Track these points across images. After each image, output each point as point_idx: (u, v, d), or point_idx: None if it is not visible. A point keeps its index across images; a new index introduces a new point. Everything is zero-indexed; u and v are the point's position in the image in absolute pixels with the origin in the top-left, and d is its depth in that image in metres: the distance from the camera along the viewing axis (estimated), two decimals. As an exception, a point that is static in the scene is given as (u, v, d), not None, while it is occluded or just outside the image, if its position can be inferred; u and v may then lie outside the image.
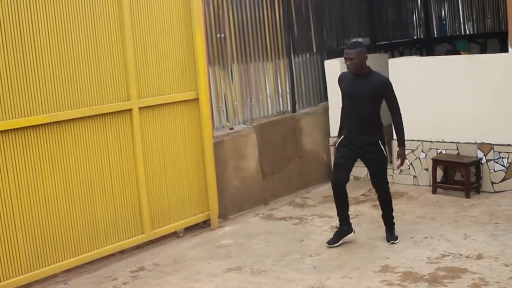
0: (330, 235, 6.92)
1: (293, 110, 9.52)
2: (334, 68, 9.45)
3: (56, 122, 6.30)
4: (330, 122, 9.61)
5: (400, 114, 6.58)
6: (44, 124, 6.20)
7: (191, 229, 7.65)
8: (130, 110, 6.88)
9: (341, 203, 6.77)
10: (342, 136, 6.73)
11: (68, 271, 6.48)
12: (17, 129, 6.00)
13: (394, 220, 6.89)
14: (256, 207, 8.45)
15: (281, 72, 9.51)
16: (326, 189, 8.89)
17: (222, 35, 8.53)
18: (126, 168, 6.91)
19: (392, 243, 6.68)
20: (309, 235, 7.21)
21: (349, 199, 6.82)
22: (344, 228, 6.81)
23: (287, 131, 9.16)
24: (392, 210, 6.86)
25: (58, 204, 6.37)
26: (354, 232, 6.86)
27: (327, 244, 6.73)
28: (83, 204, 6.56)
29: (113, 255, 6.87)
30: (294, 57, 9.69)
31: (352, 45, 6.51)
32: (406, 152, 7.22)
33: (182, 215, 7.53)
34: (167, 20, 7.30)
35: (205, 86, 7.64)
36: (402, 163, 6.72)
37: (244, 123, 8.78)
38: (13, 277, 6.05)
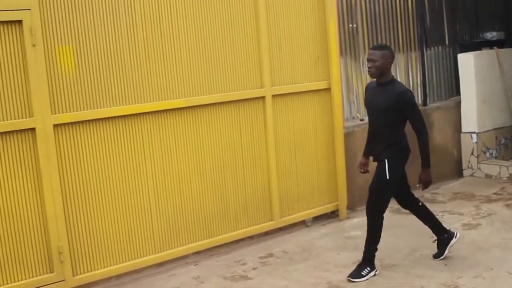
0: (462, 232, 6.68)
1: (424, 103, 9.32)
2: (468, 62, 9.21)
3: (192, 107, 6.44)
4: (462, 117, 9.36)
5: (425, 133, 5.71)
6: (180, 108, 6.36)
7: (319, 219, 7.63)
8: (263, 98, 6.93)
9: (420, 218, 6.18)
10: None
11: (198, 253, 6.61)
12: (155, 112, 6.19)
13: (368, 257, 5.89)
14: (384, 200, 8.31)
15: (413, 65, 9.32)
16: (457, 185, 8.71)
17: (354, 25, 8.44)
18: (257, 154, 6.97)
19: (350, 280, 5.76)
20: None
21: (434, 209, 6.37)
22: (442, 237, 6.20)
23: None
24: (371, 245, 5.88)
25: (192, 187, 6.51)
26: (456, 236, 6.22)
27: (433, 258, 6.19)
28: (215, 188, 6.68)
29: (242, 240, 6.95)
30: (426, 50, 9.46)
31: (377, 46, 5.95)
32: None
33: (311, 204, 7.51)
34: (300, 9, 7.28)
35: (337, 75, 7.57)
36: (425, 187, 5.87)
37: (374, 115, 8.64)
38: (146, 255, 6.24)
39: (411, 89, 9.00)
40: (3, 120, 5.39)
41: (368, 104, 5.94)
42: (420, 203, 6.11)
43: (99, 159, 5.92)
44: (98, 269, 5.97)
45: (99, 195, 5.95)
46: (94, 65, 5.85)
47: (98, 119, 5.88)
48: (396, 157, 5.76)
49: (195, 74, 6.46)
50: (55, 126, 5.63)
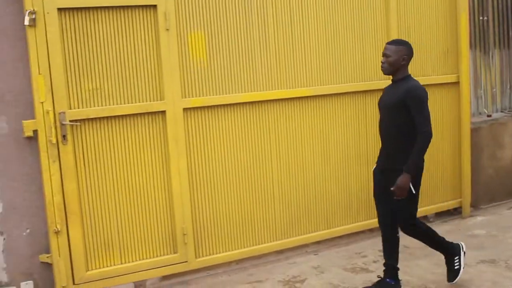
0: None
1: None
2: None
3: (318, 96, 6.45)
4: None
5: (426, 137, 4.97)
6: (307, 97, 6.38)
7: (441, 215, 7.47)
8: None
9: (424, 240, 5.53)
10: None
11: (319, 242, 6.60)
12: (282, 99, 6.24)
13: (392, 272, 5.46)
14: (509, 200, 8.07)
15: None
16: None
17: (485, 18, 8.17)
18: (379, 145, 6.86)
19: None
20: None
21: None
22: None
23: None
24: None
25: (315, 176, 6.51)
26: (463, 251, 5.58)
27: (447, 283, 5.56)
28: (338, 178, 6.66)
29: (362, 232, 6.90)
30: None
31: (394, 41, 5.24)
32: None
33: (434, 200, 7.36)
34: (431, 0, 7.13)
35: (467, 69, 7.36)
36: (398, 193, 5.04)
37: (502, 111, 8.37)
38: (268, 242, 6.30)
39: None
40: (136, 102, 5.54)
41: (379, 102, 5.43)
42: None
43: (225, 144, 6.01)
44: (219, 252, 6.08)
45: (224, 179, 6.04)
46: (225, 51, 5.93)
47: (226, 105, 5.97)
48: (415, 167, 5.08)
49: (323, 64, 6.45)
50: (185, 109, 5.75)
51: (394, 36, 6.74)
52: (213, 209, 6.01)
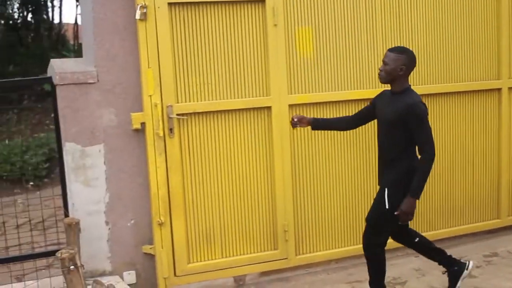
0: None
1: None
2: None
3: (423, 95, 6.24)
4: None
5: (429, 158, 4.75)
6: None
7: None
8: (499, 90, 6.63)
9: (421, 253, 5.43)
10: None
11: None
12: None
13: None
14: None
15: None
16: None
17: None
18: (489, 148, 6.71)
19: None
20: None
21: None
22: (452, 269, 5.41)
23: None
24: (376, 282, 5.21)
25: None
26: (468, 267, 5.38)
27: None
28: (443, 181, 6.56)
29: (465, 235, 6.73)
30: None
31: (395, 48, 4.91)
32: None
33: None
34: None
35: None
36: (403, 219, 4.87)
37: None
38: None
39: None
40: (242, 98, 5.56)
41: (377, 114, 5.12)
42: (417, 239, 5.33)
43: (329, 141, 5.97)
44: (320, 250, 6.05)
45: (326, 177, 6.00)
46: (331, 47, 5.87)
47: (330, 102, 5.92)
48: (400, 184, 4.87)
49: (431, 62, 6.31)
50: (290, 106, 5.73)
51: (505, 34, 6.55)
52: (315, 206, 5.97)
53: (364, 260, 6.02)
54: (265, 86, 5.64)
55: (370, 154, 6.06)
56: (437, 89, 6.34)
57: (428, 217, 6.48)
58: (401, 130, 4.79)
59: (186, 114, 5.40)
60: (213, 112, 5.48)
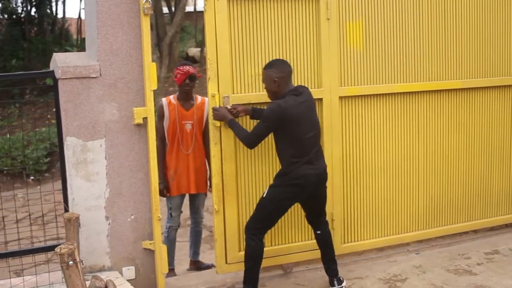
0: None
1: None
2: None
3: (467, 89, 6.48)
4: None
5: (246, 139, 5.13)
6: (456, 89, 6.41)
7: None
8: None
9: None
10: None
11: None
12: (431, 91, 6.32)
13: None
14: None
15: None
16: None
17: None
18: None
19: None
20: None
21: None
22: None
23: None
24: (246, 269, 5.24)
25: (458, 169, 6.56)
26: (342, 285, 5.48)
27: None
28: (479, 174, 6.69)
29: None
30: None
31: (265, 66, 5.21)
32: None
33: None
34: None
35: None
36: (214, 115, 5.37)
37: None
38: (411, 231, 6.43)
39: None
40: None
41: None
42: (319, 232, 5.44)
43: (376, 133, 6.13)
44: (365, 239, 6.19)
45: (373, 168, 6.15)
46: (380, 41, 6.03)
47: (379, 94, 6.07)
48: (280, 180, 5.14)
49: (474, 56, 6.46)
50: (341, 98, 5.88)
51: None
52: (361, 196, 6.13)
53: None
54: (317, 78, 5.78)
55: (411, 145, 6.27)
56: (480, 83, 6.53)
57: (467, 207, 6.68)
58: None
59: (240, 105, 5.53)
60: (266, 103, 5.50)
